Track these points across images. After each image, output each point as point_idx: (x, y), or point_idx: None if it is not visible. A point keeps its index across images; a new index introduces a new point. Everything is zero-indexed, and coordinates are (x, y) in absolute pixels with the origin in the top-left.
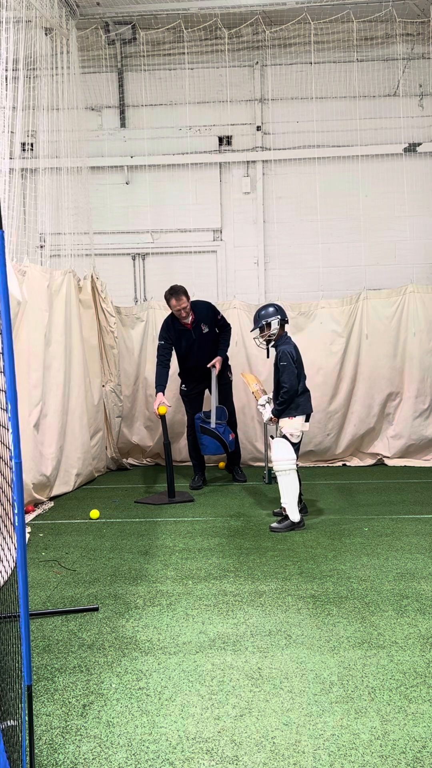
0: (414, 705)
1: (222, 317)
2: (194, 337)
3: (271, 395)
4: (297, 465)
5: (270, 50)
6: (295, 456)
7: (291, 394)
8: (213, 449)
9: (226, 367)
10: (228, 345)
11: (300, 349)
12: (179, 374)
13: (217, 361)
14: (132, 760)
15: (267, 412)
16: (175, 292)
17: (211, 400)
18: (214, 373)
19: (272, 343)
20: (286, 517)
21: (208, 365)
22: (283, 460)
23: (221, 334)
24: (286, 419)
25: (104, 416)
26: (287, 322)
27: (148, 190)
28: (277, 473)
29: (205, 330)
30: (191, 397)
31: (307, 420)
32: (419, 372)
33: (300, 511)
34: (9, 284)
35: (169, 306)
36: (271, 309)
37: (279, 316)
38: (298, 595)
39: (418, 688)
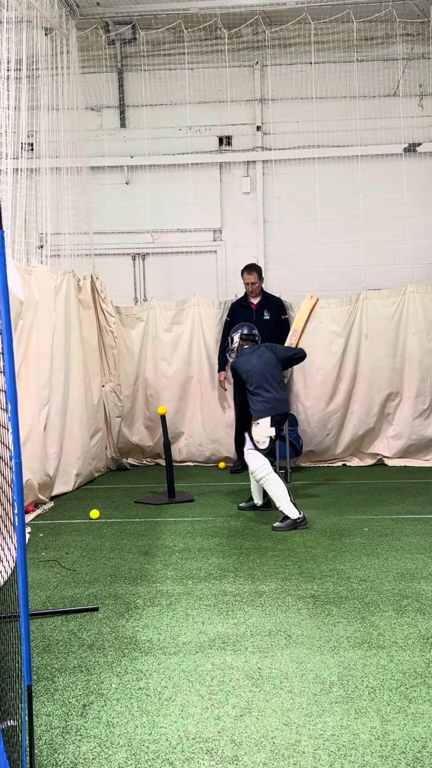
0: (414, 705)
1: (286, 318)
2: (254, 318)
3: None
4: (272, 464)
5: (270, 50)
6: (265, 459)
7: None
8: (283, 453)
9: None
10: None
11: None
12: None
13: None
14: (132, 760)
15: None
16: (249, 267)
17: None
18: None
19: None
20: (287, 516)
21: None
22: (256, 469)
23: (278, 332)
24: (253, 425)
25: (104, 416)
26: (245, 334)
27: (148, 190)
28: (259, 482)
29: (266, 317)
30: (240, 394)
31: (272, 425)
32: (419, 372)
33: (265, 505)
34: (10, 283)
35: (243, 279)
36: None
37: (238, 332)
38: (298, 595)
39: (418, 688)
